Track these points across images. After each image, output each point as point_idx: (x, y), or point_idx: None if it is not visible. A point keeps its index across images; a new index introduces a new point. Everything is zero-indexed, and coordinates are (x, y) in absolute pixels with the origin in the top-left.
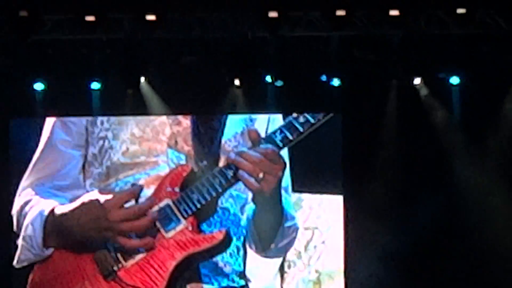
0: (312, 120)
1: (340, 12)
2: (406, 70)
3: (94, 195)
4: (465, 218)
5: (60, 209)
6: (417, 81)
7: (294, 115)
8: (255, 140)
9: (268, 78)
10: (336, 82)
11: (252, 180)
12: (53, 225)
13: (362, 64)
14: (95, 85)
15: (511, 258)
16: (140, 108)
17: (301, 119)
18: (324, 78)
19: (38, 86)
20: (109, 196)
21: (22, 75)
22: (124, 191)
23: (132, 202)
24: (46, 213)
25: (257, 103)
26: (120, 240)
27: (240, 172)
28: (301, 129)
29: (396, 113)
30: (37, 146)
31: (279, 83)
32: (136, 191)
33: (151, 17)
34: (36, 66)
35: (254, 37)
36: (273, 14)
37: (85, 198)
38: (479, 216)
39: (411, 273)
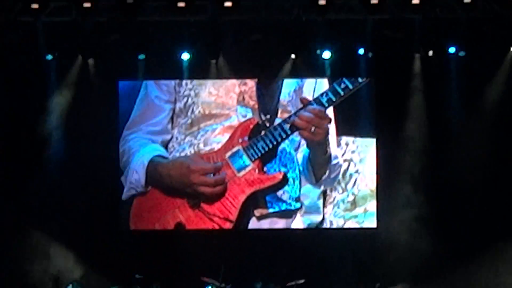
0: (350, 86)
1: (374, 1)
2: (425, 45)
3: (187, 157)
4: None
5: (157, 160)
6: (430, 53)
7: (337, 81)
8: (306, 103)
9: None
10: (370, 54)
11: (306, 133)
12: (151, 171)
13: (391, 41)
14: (185, 56)
15: None
16: (218, 74)
17: (342, 85)
18: (361, 51)
19: (141, 56)
20: (198, 162)
21: (128, 48)
22: (209, 164)
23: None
24: (146, 162)
25: (307, 71)
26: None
27: (298, 128)
28: (342, 93)
29: (420, 78)
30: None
31: (327, 54)
32: (218, 168)
33: (228, 4)
34: (139, 40)
35: (307, 20)
36: (322, 1)
37: (180, 156)
38: None
39: (432, 193)
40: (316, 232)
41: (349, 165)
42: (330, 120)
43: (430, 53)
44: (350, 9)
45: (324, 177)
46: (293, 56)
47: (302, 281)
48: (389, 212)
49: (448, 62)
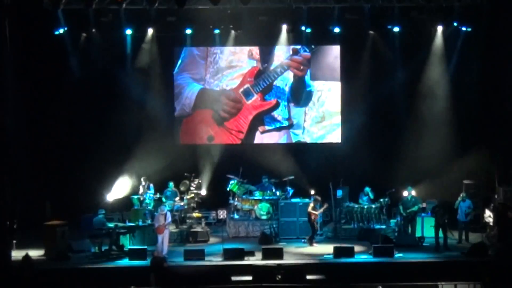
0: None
1: None
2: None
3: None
4: None
5: (202, 90)
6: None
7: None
8: (295, 51)
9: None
10: (337, 29)
11: (295, 70)
12: (197, 98)
13: (350, 21)
14: (216, 31)
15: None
16: (238, 42)
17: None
18: (332, 28)
19: (188, 31)
20: (226, 92)
21: (180, 25)
22: (231, 92)
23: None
24: (196, 92)
25: (294, 40)
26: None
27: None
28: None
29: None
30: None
31: (308, 30)
32: (236, 96)
33: None
34: (187, 20)
35: (296, 7)
36: None
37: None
38: None
39: (378, 118)
40: (301, 145)
41: (321, 94)
42: (309, 65)
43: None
44: (323, 0)
45: (301, 100)
46: (285, 30)
47: (292, 177)
48: (349, 129)
49: (388, 36)
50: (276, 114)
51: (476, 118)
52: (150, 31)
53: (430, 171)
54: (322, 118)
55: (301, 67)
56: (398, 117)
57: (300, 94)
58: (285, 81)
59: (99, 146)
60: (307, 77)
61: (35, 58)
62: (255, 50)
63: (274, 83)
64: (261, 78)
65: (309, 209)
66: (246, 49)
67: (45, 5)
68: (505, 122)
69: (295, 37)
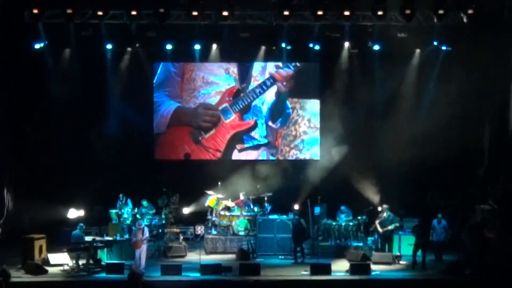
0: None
1: (320, 12)
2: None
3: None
4: None
5: (178, 108)
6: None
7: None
8: (278, 68)
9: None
10: (317, 47)
11: (280, 84)
12: (173, 116)
13: (330, 39)
14: (197, 46)
15: None
16: (219, 58)
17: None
18: (311, 45)
19: (168, 47)
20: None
21: (160, 41)
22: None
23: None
24: (172, 110)
25: (275, 56)
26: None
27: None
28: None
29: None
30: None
31: (289, 46)
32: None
33: (225, 13)
34: (168, 36)
35: (276, 24)
36: (286, 12)
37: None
38: None
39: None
40: (279, 161)
41: (293, 112)
42: (293, 81)
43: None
44: (304, 17)
45: (279, 120)
46: (264, 47)
47: (270, 193)
48: (328, 146)
49: (368, 54)
50: (253, 132)
51: (455, 137)
52: (130, 47)
53: (409, 188)
54: (295, 137)
55: (284, 83)
56: (377, 134)
57: (279, 115)
58: (264, 100)
59: (79, 160)
60: (287, 99)
61: (15, 72)
62: (232, 68)
63: (253, 103)
64: (239, 98)
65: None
66: (223, 65)
67: (26, 19)
68: (483, 141)
69: (275, 54)
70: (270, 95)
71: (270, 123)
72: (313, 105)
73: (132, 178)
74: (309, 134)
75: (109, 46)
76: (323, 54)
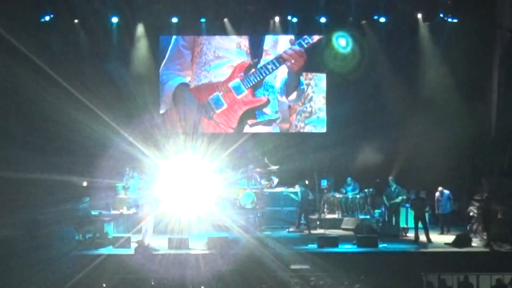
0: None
1: None
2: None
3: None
4: None
5: (180, 87)
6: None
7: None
8: (292, 43)
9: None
10: (324, 19)
11: (289, 64)
12: (175, 94)
13: (337, 11)
14: (203, 20)
15: None
16: (225, 31)
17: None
18: (318, 18)
19: (174, 19)
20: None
21: (166, 13)
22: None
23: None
24: (173, 89)
25: (282, 29)
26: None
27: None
28: (311, 41)
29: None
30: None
31: (295, 20)
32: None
33: None
34: (173, 9)
35: None
36: None
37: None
38: None
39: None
40: (286, 134)
41: (307, 89)
42: (305, 58)
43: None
44: None
45: (293, 95)
46: (273, 20)
47: (276, 167)
48: (335, 119)
49: (374, 26)
50: (265, 108)
51: (461, 109)
52: (136, 20)
53: (415, 162)
54: (310, 114)
55: (293, 61)
56: (384, 107)
57: (292, 90)
58: (276, 75)
59: (84, 134)
60: (301, 74)
61: (22, 44)
62: (244, 42)
63: (265, 78)
64: (251, 74)
65: None
66: (234, 40)
67: None
68: (490, 116)
69: (283, 28)
70: (283, 71)
71: (283, 99)
72: (321, 78)
73: (139, 152)
74: (324, 112)
75: (115, 19)
76: (329, 27)
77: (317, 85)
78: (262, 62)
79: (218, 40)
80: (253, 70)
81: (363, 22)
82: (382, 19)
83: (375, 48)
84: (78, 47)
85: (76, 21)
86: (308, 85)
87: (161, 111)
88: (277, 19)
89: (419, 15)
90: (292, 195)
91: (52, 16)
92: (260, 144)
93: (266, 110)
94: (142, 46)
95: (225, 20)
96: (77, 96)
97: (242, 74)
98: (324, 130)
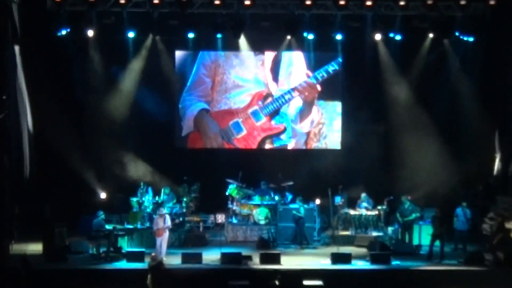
0: (331, 71)
1: (342, 2)
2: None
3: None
4: None
5: (202, 113)
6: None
7: (325, 67)
8: (308, 76)
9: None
10: (340, 37)
11: (303, 95)
12: (196, 119)
13: (352, 28)
14: (219, 36)
15: None
16: (240, 48)
17: (330, 68)
18: (333, 35)
19: (190, 35)
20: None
21: (182, 29)
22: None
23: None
24: (195, 113)
25: (297, 47)
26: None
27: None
28: (325, 75)
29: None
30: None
31: (311, 36)
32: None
33: (247, 2)
34: (189, 25)
35: (298, 13)
36: (308, 2)
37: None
38: None
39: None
40: (300, 150)
41: (323, 115)
42: (318, 90)
43: (378, 37)
44: (326, 7)
45: (306, 123)
46: (288, 37)
47: (291, 182)
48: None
49: (389, 44)
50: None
51: (476, 127)
52: (152, 35)
53: (429, 179)
54: (326, 137)
55: (306, 93)
56: (398, 124)
57: (305, 118)
58: (288, 105)
59: (99, 147)
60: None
61: (38, 59)
62: (261, 72)
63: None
64: (269, 103)
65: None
66: (252, 70)
67: (49, 6)
68: (505, 131)
69: (298, 45)
70: (297, 100)
71: (297, 126)
72: (336, 107)
73: (153, 167)
74: (339, 132)
75: (131, 35)
76: (345, 44)
77: (333, 110)
78: (278, 92)
79: (237, 70)
80: (270, 99)
81: (378, 38)
82: (398, 37)
83: (390, 65)
84: (92, 62)
85: (91, 35)
86: (323, 113)
87: (183, 134)
88: (292, 35)
89: (431, 35)
90: (294, 212)
91: (68, 30)
92: (275, 160)
93: (282, 136)
94: (157, 60)
95: (242, 37)
96: None
97: (260, 102)
98: (338, 145)
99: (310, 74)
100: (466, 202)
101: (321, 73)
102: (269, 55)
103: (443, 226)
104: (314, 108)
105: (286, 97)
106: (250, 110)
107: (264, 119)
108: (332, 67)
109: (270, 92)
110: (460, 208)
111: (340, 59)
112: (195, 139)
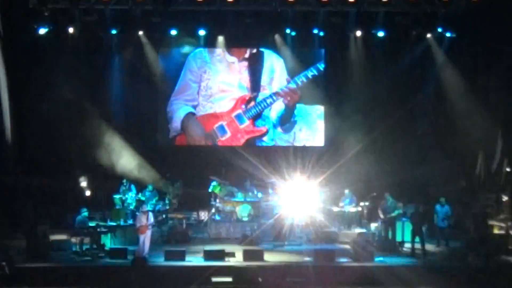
0: (314, 73)
1: None
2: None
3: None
4: None
5: (188, 116)
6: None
7: (305, 71)
8: (288, 81)
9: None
10: (321, 33)
11: (284, 100)
12: (184, 122)
13: (333, 25)
14: (202, 32)
15: None
16: (223, 45)
17: (309, 74)
18: (315, 31)
19: (173, 32)
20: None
21: (165, 26)
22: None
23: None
24: (182, 117)
25: (281, 44)
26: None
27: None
28: (305, 80)
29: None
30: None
31: (293, 33)
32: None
33: None
34: (172, 22)
35: (281, 10)
36: None
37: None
38: None
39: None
40: (283, 147)
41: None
42: (300, 95)
43: (358, 33)
44: (309, 3)
45: (286, 126)
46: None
47: (274, 180)
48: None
49: (372, 40)
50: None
51: (459, 123)
52: (134, 32)
53: (412, 175)
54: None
55: (289, 98)
56: (380, 120)
57: (286, 122)
58: (269, 108)
59: (82, 146)
60: (295, 109)
61: (19, 56)
62: (245, 78)
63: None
64: (252, 106)
65: None
66: (236, 76)
67: (31, 4)
68: (488, 128)
69: (280, 41)
70: (279, 104)
71: (278, 129)
72: (317, 110)
73: (137, 163)
74: (322, 131)
75: (113, 32)
76: (327, 40)
77: (314, 113)
78: (260, 96)
79: (222, 76)
80: (252, 103)
81: (359, 34)
82: (381, 33)
83: (373, 61)
84: (77, 60)
85: (72, 32)
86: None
87: (170, 136)
88: (275, 33)
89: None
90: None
91: (50, 28)
92: (258, 157)
93: (265, 138)
94: (140, 57)
95: (222, 35)
96: None
97: (244, 106)
98: (321, 142)
99: (290, 79)
100: (446, 198)
101: (301, 78)
102: (253, 62)
103: (419, 222)
104: (295, 112)
105: (268, 101)
106: (234, 114)
107: (247, 122)
108: (311, 72)
109: (252, 96)
110: (438, 205)
111: (320, 65)
112: (181, 141)
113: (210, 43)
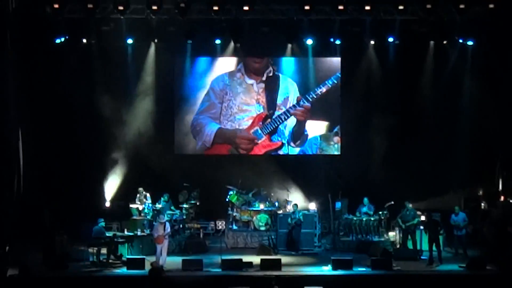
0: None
1: (340, 7)
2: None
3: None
4: None
5: (220, 129)
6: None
7: (316, 88)
8: (299, 100)
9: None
10: (338, 41)
11: (297, 116)
12: (216, 135)
13: (350, 33)
14: (218, 41)
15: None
16: (239, 54)
17: (318, 90)
18: (332, 39)
19: (189, 41)
20: (240, 132)
21: (181, 36)
22: (246, 134)
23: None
24: (215, 130)
25: (297, 52)
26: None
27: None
28: (315, 96)
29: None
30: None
31: (310, 41)
32: (250, 137)
33: (246, 8)
34: (188, 31)
35: (297, 19)
36: (307, 7)
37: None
38: None
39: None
40: (300, 157)
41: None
42: (309, 109)
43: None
44: (325, 12)
45: (298, 142)
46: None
47: (290, 189)
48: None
49: (388, 48)
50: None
51: (477, 131)
52: (150, 42)
53: (430, 184)
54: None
55: (302, 114)
56: (397, 129)
57: (298, 137)
58: (284, 124)
59: (99, 155)
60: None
61: (36, 66)
62: (262, 98)
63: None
64: (268, 123)
65: None
66: (254, 97)
67: (47, 14)
68: (507, 134)
69: (296, 50)
70: (291, 120)
71: (291, 144)
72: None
73: (153, 173)
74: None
75: (129, 41)
76: (344, 49)
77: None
78: (275, 114)
79: (241, 97)
80: (268, 120)
81: (372, 42)
82: (397, 42)
83: (389, 69)
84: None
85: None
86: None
87: (198, 147)
88: (291, 41)
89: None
90: (289, 218)
91: (66, 37)
92: (274, 166)
93: (280, 152)
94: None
95: (237, 44)
96: None
97: (261, 123)
98: (338, 150)
99: (301, 97)
100: (466, 206)
101: (311, 95)
102: (269, 83)
103: (436, 231)
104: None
105: (282, 117)
106: (252, 130)
107: (264, 137)
108: (320, 89)
109: (269, 114)
110: (452, 214)
111: (330, 81)
112: (211, 152)
113: (225, 52)
